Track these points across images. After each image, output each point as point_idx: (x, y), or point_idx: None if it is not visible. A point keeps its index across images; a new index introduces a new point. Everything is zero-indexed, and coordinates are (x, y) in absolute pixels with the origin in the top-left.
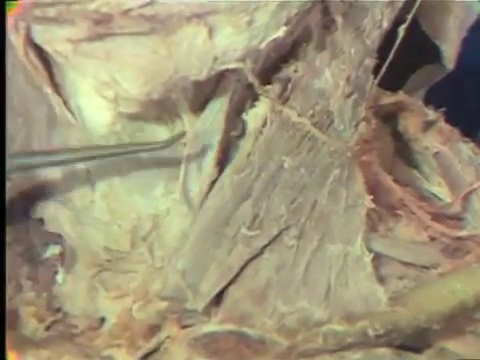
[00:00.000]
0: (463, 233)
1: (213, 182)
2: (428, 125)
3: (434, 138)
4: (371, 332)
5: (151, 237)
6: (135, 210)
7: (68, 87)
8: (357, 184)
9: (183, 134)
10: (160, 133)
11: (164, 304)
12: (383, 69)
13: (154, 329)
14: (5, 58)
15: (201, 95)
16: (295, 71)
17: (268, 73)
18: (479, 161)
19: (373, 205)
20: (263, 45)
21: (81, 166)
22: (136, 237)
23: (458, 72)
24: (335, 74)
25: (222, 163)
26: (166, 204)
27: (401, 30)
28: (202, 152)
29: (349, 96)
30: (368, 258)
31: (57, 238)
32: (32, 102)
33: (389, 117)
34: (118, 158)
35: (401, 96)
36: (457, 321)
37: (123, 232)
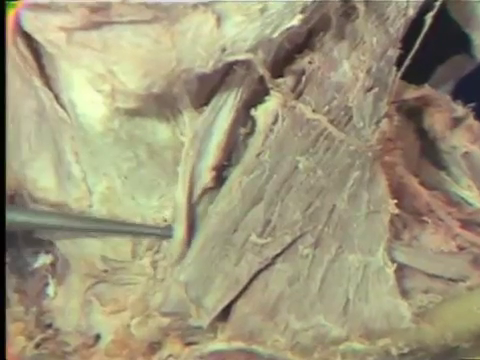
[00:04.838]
0: None
1: (220, 184)
2: (456, 122)
3: (463, 136)
4: (394, 351)
5: (155, 245)
6: (138, 215)
7: (60, 80)
8: (379, 187)
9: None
10: (160, 131)
11: (165, 320)
12: (407, 60)
13: (155, 347)
14: (5, 58)
15: (206, 89)
16: (310, 63)
17: (280, 65)
18: None
19: (397, 210)
20: (276, 34)
21: (77, 166)
22: (138, 245)
23: None
24: (355, 66)
25: (230, 163)
26: (169, 209)
27: (428, 18)
28: (206, 151)
29: (370, 90)
30: (391, 269)
31: (48, 246)
32: (20, 96)
33: (414, 113)
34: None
35: (427, 90)
36: None
37: (123, 240)
